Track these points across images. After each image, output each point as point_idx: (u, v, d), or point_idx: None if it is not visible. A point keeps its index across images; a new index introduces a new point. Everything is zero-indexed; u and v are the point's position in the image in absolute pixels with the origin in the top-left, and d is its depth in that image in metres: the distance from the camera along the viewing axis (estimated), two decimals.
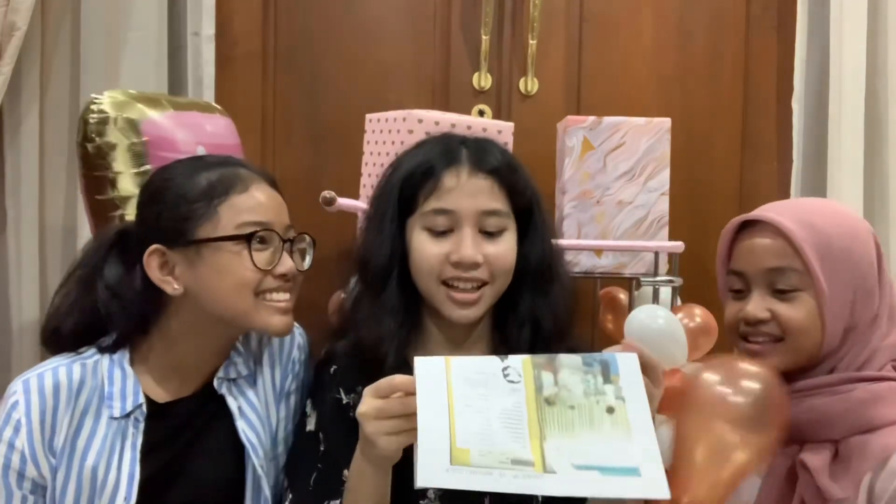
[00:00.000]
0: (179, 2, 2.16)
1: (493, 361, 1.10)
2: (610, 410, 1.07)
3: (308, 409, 1.36)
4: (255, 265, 1.24)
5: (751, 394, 1.16)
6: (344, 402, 1.32)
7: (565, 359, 1.10)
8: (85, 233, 2.05)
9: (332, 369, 1.36)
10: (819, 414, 1.20)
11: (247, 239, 1.24)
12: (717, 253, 1.32)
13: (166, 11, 2.13)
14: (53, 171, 2.12)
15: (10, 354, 2.10)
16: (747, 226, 1.27)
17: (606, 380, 1.09)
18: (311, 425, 1.35)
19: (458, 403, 1.04)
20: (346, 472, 1.24)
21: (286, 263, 1.29)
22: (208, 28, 2.14)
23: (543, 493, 1.02)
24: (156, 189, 1.31)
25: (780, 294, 1.22)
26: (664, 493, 1.04)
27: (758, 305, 1.23)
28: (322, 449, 1.31)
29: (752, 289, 1.25)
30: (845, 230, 1.22)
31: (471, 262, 1.26)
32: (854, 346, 1.22)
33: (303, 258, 1.35)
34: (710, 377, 1.19)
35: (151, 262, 1.27)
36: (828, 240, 1.20)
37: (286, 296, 1.30)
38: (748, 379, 1.17)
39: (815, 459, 1.19)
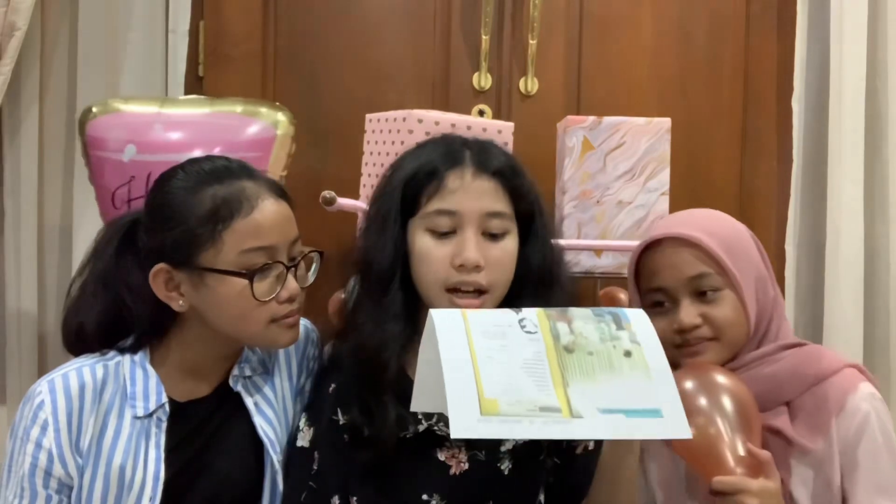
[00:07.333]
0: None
1: (509, 314, 1.11)
2: (627, 354, 1.09)
3: (302, 423, 1.36)
4: (257, 299, 1.24)
5: (730, 403, 1.27)
6: (341, 423, 1.32)
7: (577, 310, 1.13)
8: (83, 233, 2.06)
9: (330, 388, 1.36)
10: (769, 381, 1.34)
11: (249, 277, 1.23)
12: (627, 275, 1.45)
13: (163, 11, 2.13)
14: (52, 171, 2.12)
15: (7, 354, 2.10)
16: (650, 247, 1.40)
17: (619, 327, 1.12)
18: (304, 441, 1.34)
19: (481, 355, 1.05)
20: (335, 497, 1.27)
21: (290, 287, 1.27)
22: (183, 25, 2.13)
23: (573, 437, 1.06)
24: (158, 205, 1.29)
25: (704, 297, 1.35)
26: (686, 432, 1.06)
27: (689, 313, 1.35)
28: (315, 468, 1.32)
29: (679, 299, 1.36)
30: (734, 231, 1.42)
31: (473, 264, 1.25)
32: (770, 323, 1.39)
33: (308, 269, 1.34)
34: (690, 388, 1.26)
35: (157, 281, 1.27)
36: (728, 241, 1.37)
37: (293, 316, 1.30)
38: (724, 391, 1.28)
39: (780, 421, 1.31)
